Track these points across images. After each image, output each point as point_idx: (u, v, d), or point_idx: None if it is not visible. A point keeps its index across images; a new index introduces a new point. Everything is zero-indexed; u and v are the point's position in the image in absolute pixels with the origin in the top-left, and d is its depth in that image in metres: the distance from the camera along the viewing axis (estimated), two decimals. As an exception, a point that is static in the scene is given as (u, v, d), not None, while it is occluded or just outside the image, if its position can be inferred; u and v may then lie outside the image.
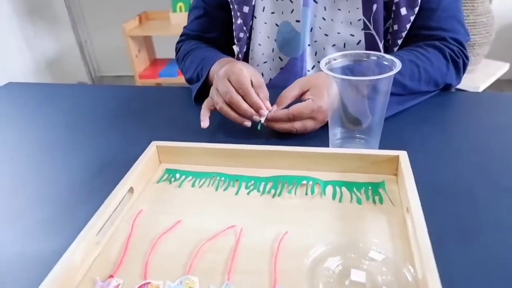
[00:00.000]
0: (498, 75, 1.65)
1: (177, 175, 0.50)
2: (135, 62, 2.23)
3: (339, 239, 0.39)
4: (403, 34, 0.67)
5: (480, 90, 1.57)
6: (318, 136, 0.58)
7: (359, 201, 0.44)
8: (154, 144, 0.52)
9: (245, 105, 0.55)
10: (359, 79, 0.46)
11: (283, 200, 0.45)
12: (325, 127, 0.56)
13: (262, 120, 0.57)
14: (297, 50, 0.72)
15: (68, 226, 0.45)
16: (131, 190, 0.46)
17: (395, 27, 0.67)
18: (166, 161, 0.53)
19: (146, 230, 0.42)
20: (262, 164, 0.50)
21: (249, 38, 0.76)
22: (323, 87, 0.56)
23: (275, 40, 0.74)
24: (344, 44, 0.70)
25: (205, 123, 0.58)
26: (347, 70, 0.51)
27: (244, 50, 0.76)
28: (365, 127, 0.50)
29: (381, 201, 0.44)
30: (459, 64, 0.66)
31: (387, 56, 0.48)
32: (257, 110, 0.55)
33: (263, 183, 0.48)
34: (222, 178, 0.49)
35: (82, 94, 0.83)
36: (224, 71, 0.57)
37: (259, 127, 0.58)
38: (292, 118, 0.56)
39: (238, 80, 0.55)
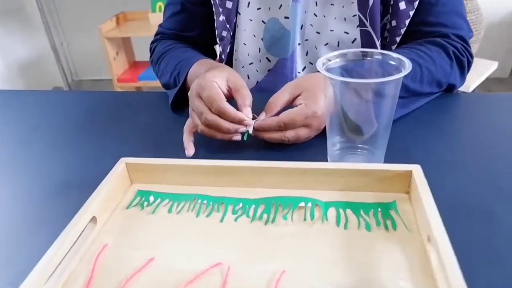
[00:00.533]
0: (487, 73, 1.62)
1: (151, 198, 0.43)
2: (113, 65, 2.12)
3: (348, 279, 0.32)
4: (402, 31, 0.61)
5: (471, 89, 1.54)
6: (314, 145, 0.51)
7: (368, 227, 0.37)
8: (123, 161, 0.44)
9: (225, 124, 0.47)
10: (362, 82, 0.39)
11: (278, 227, 0.38)
12: (322, 135, 0.50)
13: (250, 130, 0.49)
14: (286, 50, 0.65)
15: (14, 267, 0.37)
16: (93, 219, 0.38)
17: (393, 23, 0.61)
18: (138, 180, 0.45)
19: (111, 271, 0.34)
20: (251, 183, 0.43)
21: (233, 37, 0.68)
22: (317, 89, 0.49)
23: (262, 39, 0.67)
24: (338, 42, 0.63)
25: (189, 150, 0.50)
26: (346, 71, 0.44)
27: (228, 50, 0.69)
28: (368, 136, 0.44)
29: (394, 226, 0.37)
30: (464, 62, 0.61)
31: (393, 54, 0.41)
32: (240, 123, 0.48)
33: (253, 206, 0.41)
34: (205, 201, 0.42)
35: (50, 101, 0.74)
36: (195, 88, 0.50)
37: (245, 138, 0.51)
38: (283, 127, 0.49)
39: (209, 97, 0.47)
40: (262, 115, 0.50)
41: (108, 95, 0.75)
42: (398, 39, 0.62)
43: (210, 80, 0.49)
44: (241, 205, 0.41)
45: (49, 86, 2.70)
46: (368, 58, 0.43)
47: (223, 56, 0.70)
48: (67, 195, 0.46)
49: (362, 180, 0.41)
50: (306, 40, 0.65)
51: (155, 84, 2.19)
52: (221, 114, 0.47)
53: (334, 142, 0.47)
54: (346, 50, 0.43)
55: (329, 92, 0.42)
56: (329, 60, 0.43)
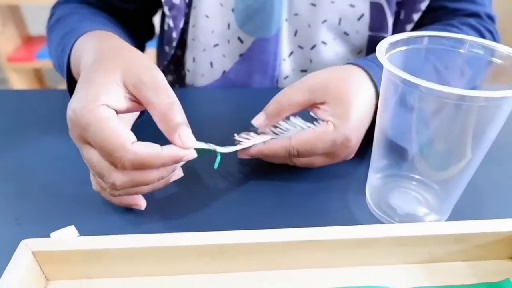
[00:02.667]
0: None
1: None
2: (-1, 40, 1.69)
3: None
4: (423, 6, 0.46)
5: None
6: (347, 169, 0.35)
7: None
8: (26, 248, 0.23)
9: (151, 174, 0.26)
10: (470, 95, 0.22)
11: None
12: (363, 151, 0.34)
13: (222, 151, 0.30)
14: (267, 27, 0.46)
15: None
16: None
17: None
18: (60, 276, 0.24)
19: None
20: (273, 264, 0.25)
21: (189, 5, 0.47)
22: (352, 100, 0.32)
23: (232, 10, 0.46)
24: (340, 19, 0.46)
25: (140, 203, 0.29)
26: (413, 66, 0.28)
27: (181, 25, 0.47)
28: (450, 172, 0.28)
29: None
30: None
31: (503, 48, 0.26)
32: (178, 162, 0.26)
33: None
34: (199, 314, 0.23)
35: None
36: (72, 124, 0.25)
37: (216, 165, 0.30)
38: (296, 155, 0.32)
39: (103, 147, 0.24)
40: (260, 118, 0.33)
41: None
42: (416, 16, 0.47)
43: (95, 105, 0.24)
44: (265, 312, 0.23)
45: None
46: (459, 50, 0.26)
47: (174, 35, 0.48)
48: None
49: (454, 247, 0.26)
50: (296, 14, 0.47)
51: (59, 64, 1.81)
52: (137, 168, 0.25)
53: (377, 168, 0.31)
54: (423, 32, 0.27)
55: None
56: (393, 46, 0.26)
